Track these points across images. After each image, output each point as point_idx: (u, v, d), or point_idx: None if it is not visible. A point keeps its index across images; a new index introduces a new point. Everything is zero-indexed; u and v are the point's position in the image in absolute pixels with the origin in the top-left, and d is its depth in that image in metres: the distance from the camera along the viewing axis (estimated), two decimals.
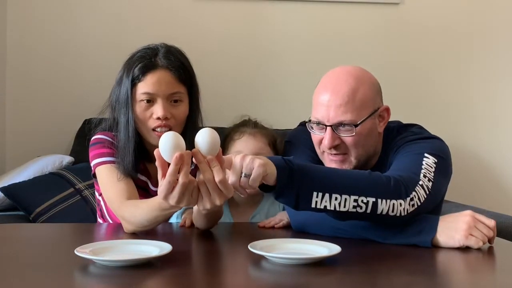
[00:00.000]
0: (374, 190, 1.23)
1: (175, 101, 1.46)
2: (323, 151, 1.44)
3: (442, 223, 1.24)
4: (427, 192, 1.29)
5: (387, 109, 1.48)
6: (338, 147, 1.41)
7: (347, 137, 1.39)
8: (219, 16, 2.86)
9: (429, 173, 1.32)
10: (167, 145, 1.14)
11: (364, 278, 1.04)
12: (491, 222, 1.25)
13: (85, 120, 2.70)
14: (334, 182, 1.22)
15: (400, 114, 1.70)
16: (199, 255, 1.26)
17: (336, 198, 1.21)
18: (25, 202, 2.28)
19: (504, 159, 2.95)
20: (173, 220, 1.51)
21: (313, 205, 1.21)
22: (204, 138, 1.15)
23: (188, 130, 1.49)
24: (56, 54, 2.81)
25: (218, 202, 1.16)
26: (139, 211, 1.31)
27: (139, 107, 1.45)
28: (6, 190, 2.30)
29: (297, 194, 1.20)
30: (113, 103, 1.50)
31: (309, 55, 2.89)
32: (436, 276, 1.07)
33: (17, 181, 2.35)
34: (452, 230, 1.22)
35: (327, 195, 1.21)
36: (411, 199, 1.25)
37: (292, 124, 1.76)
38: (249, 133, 1.62)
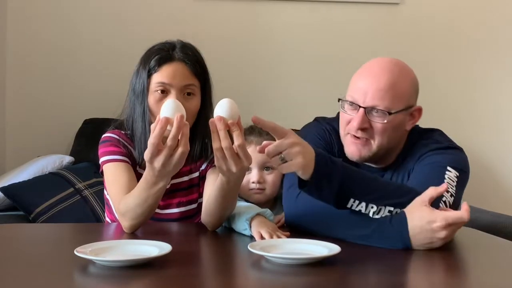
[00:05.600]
0: (406, 202, 1.25)
1: (188, 94, 1.48)
2: (347, 133, 1.44)
3: (414, 235, 1.20)
4: (449, 207, 1.29)
5: (420, 110, 1.48)
6: (365, 131, 1.40)
7: (378, 123, 1.39)
8: (219, 16, 2.86)
9: (451, 188, 1.33)
10: (170, 108, 1.18)
11: (364, 278, 1.04)
12: (463, 218, 1.18)
13: (85, 120, 2.71)
14: (374, 192, 1.26)
15: None
16: (199, 255, 1.26)
17: (372, 207, 1.25)
18: (25, 202, 2.28)
19: (504, 159, 2.95)
20: (240, 229, 1.37)
21: (348, 206, 1.25)
22: (223, 107, 1.19)
23: (200, 125, 1.51)
24: (56, 54, 2.81)
25: (234, 169, 1.20)
26: (131, 199, 1.32)
27: (153, 98, 1.47)
28: (6, 190, 2.30)
29: (335, 197, 1.23)
30: (130, 95, 1.52)
31: (309, 55, 2.89)
32: (436, 276, 1.07)
33: (17, 181, 2.35)
34: (428, 244, 1.20)
35: (363, 203, 1.25)
36: None
37: (292, 124, 1.75)
38: (255, 143, 1.63)
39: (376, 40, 2.90)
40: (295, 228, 1.34)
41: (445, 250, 1.20)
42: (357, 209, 1.25)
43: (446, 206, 1.28)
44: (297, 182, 1.25)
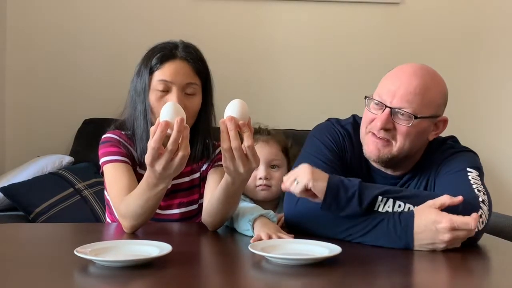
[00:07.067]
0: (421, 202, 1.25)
1: (190, 93, 1.48)
2: (369, 132, 1.42)
3: (417, 233, 1.21)
4: (488, 207, 1.29)
5: (445, 121, 1.47)
6: (388, 131, 1.38)
7: (402, 125, 1.37)
8: (219, 16, 2.86)
9: (480, 186, 1.32)
10: (170, 111, 1.18)
11: (364, 278, 1.04)
12: (470, 225, 1.18)
13: (85, 120, 2.71)
14: (399, 191, 1.28)
15: None
16: (199, 256, 1.26)
17: (400, 205, 1.26)
18: (25, 202, 2.28)
19: (504, 159, 2.95)
20: (242, 230, 1.38)
21: (375, 208, 1.26)
22: (235, 107, 1.19)
23: (201, 124, 1.51)
24: (56, 54, 2.81)
25: (241, 169, 1.20)
26: (132, 199, 1.32)
27: (154, 96, 1.46)
28: (6, 190, 2.30)
29: (360, 200, 1.25)
30: (132, 93, 1.52)
31: (309, 55, 2.89)
32: (438, 277, 1.07)
33: (17, 181, 2.35)
34: (430, 245, 1.21)
35: (391, 200, 1.26)
36: (480, 216, 1.23)
37: (293, 124, 1.75)
38: (262, 140, 1.64)
39: (376, 40, 2.90)
40: (294, 229, 1.34)
41: (447, 252, 1.20)
42: (383, 210, 1.26)
43: (485, 205, 1.28)
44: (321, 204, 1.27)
